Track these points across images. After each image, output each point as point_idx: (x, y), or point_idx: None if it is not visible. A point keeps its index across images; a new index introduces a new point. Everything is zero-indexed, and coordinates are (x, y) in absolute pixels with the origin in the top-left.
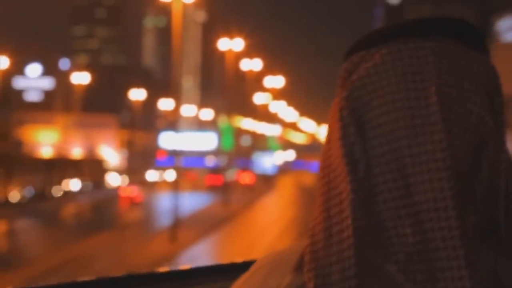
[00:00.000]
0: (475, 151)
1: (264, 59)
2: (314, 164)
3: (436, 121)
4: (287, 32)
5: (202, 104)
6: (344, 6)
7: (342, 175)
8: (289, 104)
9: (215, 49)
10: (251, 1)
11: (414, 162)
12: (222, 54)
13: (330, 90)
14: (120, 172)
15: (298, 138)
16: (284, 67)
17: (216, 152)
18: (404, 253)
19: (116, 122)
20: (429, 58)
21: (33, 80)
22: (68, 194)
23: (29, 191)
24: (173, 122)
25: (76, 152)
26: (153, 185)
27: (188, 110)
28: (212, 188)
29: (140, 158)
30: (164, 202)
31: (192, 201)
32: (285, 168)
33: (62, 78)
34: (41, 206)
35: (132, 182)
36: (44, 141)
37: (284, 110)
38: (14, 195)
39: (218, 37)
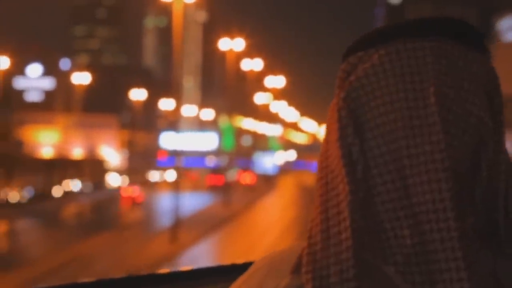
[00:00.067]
0: (474, 152)
1: (265, 59)
2: (315, 164)
3: (435, 122)
4: (288, 32)
5: (202, 104)
6: (345, 6)
7: (340, 176)
8: (290, 104)
9: (215, 49)
10: (252, 1)
11: (413, 163)
12: (223, 54)
13: (331, 90)
14: (121, 172)
15: (299, 138)
16: (285, 67)
17: (217, 152)
18: (403, 255)
19: (116, 122)
20: (427, 59)
21: (34, 80)
22: (68, 195)
23: (29, 191)
24: (173, 122)
25: (77, 152)
26: (153, 185)
27: (189, 110)
28: (213, 188)
29: (141, 158)
30: (164, 202)
31: (192, 201)
32: (286, 168)
33: (62, 78)
34: (41, 206)
35: (132, 182)
36: (45, 141)
37: (285, 110)
38: (14, 195)
39: (218, 37)
